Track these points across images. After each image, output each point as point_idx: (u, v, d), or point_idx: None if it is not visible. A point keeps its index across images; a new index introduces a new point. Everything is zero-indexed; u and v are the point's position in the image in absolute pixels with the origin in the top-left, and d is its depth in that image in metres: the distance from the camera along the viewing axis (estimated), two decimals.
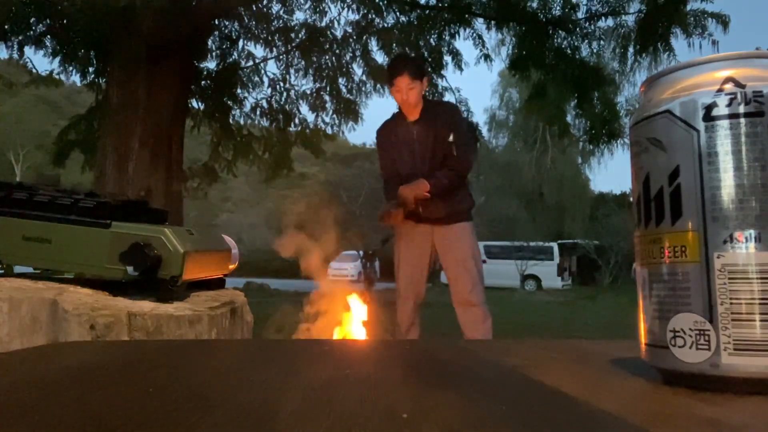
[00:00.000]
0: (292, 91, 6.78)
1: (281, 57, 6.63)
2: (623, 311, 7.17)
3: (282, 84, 6.73)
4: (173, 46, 4.30)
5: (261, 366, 0.45)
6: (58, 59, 5.40)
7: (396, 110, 2.46)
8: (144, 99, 4.28)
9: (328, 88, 6.65)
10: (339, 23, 6.41)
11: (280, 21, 6.43)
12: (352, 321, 2.46)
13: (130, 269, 0.89)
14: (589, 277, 17.84)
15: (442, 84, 6.55)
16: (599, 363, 0.46)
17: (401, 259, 2.43)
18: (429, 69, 2.52)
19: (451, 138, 2.29)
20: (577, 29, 5.58)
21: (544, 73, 5.57)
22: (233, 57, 6.45)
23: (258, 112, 6.76)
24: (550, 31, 5.51)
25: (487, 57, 6.05)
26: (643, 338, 0.37)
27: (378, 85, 6.69)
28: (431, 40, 6.23)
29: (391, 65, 2.56)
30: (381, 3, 6.07)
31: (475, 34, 6.01)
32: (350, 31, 6.37)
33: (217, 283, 1.16)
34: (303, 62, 6.55)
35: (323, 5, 6.34)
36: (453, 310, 2.35)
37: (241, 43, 6.48)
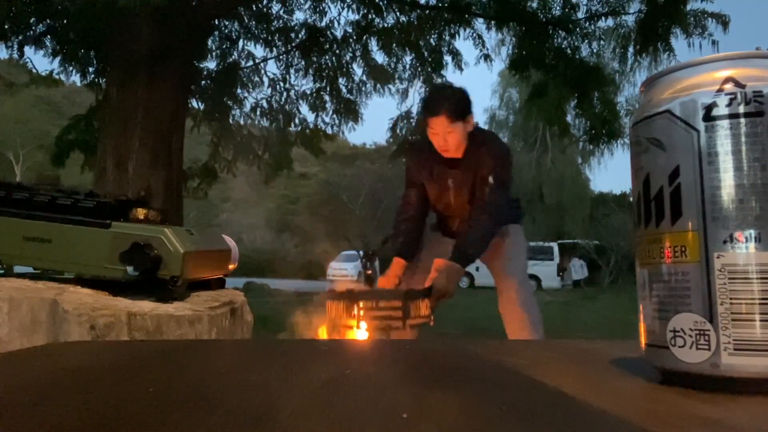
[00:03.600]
0: (292, 91, 6.78)
1: (281, 57, 6.63)
2: (623, 311, 7.17)
3: (282, 84, 6.73)
4: (173, 46, 4.30)
5: (261, 366, 0.45)
6: (58, 59, 5.41)
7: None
8: (144, 99, 4.28)
9: (328, 88, 6.65)
10: (339, 23, 6.41)
11: (280, 21, 6.43)
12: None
13: (130, 269, 0.89)
14: (588, 277, 17.82)
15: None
16: (599, 363, 0.46)
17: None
18: (470, 103, 1.92)
19: (490, 180, 1.97)
20: (577, 29, 5.57)
21: (544, 73, 5.57)
22: (233, 57, 6.46)
23: (258, 112, 6.77)
24: (550, 31, 5.51)
25: (487, 57, 6.06)
26: (643, 338, 0.37)
27: (378, 85, 6.69)
28: (431, 40, 6.23)
29: (425, 102, 2.12)
30: (381, 3, 6.07)
31: (475, 34, 6.01)
32: (350, 31, 6.38)
33: (217, 283, 1.16)
34: (303, 62, 6.55)
35: (323, 5, 6.34)
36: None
37: (241, 43, 6.49)
